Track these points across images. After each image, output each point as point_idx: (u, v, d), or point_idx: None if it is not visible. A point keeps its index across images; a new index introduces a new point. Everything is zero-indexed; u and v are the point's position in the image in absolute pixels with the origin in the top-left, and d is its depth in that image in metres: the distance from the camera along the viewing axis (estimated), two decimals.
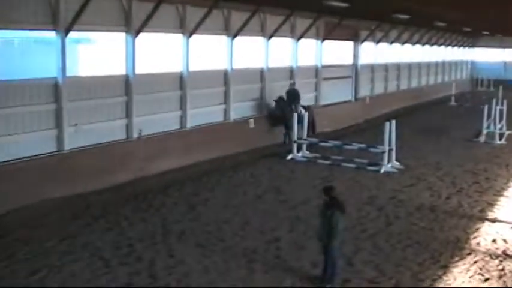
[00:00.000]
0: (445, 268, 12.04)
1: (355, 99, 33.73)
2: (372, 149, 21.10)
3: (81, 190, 16.08)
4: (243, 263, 11.99)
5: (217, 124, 21.92)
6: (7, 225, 13.75)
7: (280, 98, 24.43)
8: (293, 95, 24.90)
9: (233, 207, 15.80)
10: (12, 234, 13.24)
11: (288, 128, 23.52)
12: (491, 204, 16.60)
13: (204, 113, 21.25)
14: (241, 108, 23.18)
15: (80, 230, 13.66)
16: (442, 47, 48.32)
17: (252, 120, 23.26)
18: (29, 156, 15.34)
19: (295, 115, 22.76)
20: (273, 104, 24.46)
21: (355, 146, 21.80)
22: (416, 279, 11.50)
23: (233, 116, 22.56)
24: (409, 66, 41.95)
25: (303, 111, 23.81)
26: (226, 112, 22.40)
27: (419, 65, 43.97)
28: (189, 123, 20.46)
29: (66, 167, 16.02)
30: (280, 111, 23.99)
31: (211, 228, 14.10)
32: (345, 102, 32.22)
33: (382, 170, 19.94)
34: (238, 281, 11.11)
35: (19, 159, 15.15)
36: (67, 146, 16.27)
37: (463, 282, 11.41)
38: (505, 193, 17.82)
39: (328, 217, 10.63)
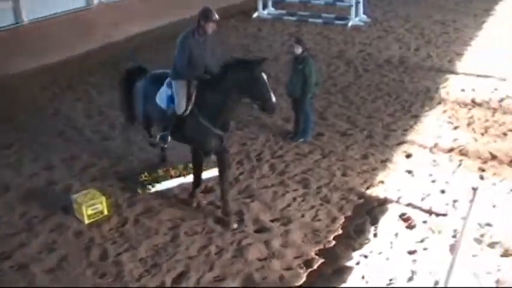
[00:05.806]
0: (416, 118, 12.32)
1: None
2: (339, 3, 20.74)
3: (47, 61, 15.60)
4: None
5: None
6: None
7: None
8: None
9: None
10: None
11: None
12: (459, 55, 16.63)
13: None
14: None
15: (48, 102, 13.50)
16: None
17: None
18: None
19: None
20: None
21: (322, 0, 21.34)
22: (387, 129, 11.75)
23: None
24: None
25: None
26: None
27: None
28: None
29: (24, 39, 15.41)
30: None
31: None
32: None
33: (350, 24, 19.70)
34: None
35: None
36: (26, 17, 15.57)
37: (434, 129, 11.68)
38: (473, 43, 17.80)
39: (301, 70, 10.57)
